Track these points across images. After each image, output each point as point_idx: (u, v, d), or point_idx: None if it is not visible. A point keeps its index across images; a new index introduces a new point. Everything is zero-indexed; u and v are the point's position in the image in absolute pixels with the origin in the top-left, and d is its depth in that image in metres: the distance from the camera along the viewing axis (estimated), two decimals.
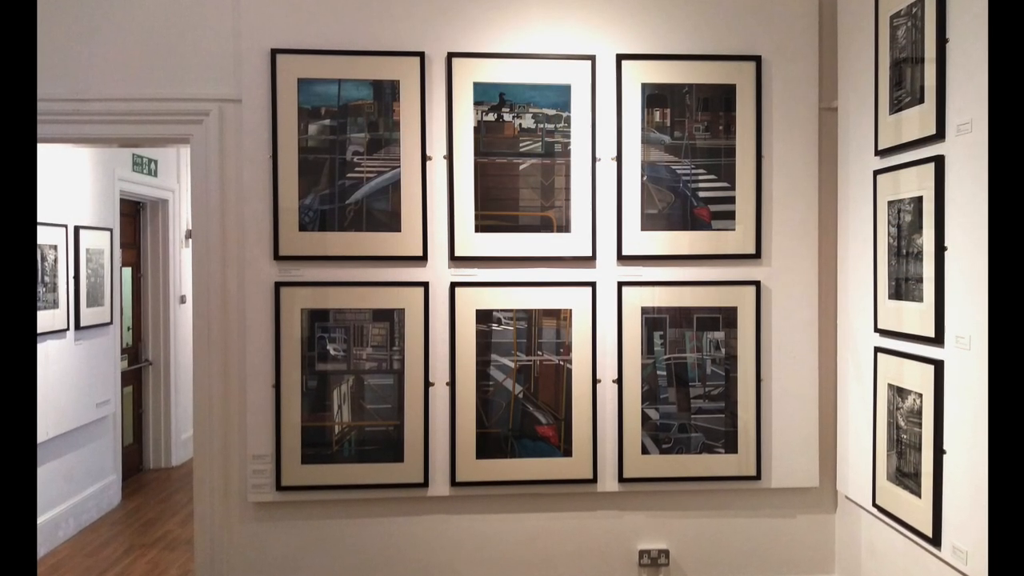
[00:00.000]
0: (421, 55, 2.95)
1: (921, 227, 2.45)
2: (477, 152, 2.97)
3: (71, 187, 4.92)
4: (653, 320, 3.04)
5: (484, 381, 3.00)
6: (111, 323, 5.40)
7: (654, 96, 3.02)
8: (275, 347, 2.93)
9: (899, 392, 2.60)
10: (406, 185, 2.95)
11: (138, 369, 6.33)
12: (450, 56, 2.96)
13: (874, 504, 2.78)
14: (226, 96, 2.98)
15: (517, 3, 3.01)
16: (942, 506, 2.37)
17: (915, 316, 2.49)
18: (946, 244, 2.33)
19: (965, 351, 2.25)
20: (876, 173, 2.74)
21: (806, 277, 3.08)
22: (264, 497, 2.97)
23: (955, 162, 2.30)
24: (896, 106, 2.60)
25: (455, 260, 2.98)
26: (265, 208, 2.93)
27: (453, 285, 2.98)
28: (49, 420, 4.59)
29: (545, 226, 3.00)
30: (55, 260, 4.69)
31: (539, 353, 3.02)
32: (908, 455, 2.55)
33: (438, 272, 2.99)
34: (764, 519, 3.16)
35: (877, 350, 2.75)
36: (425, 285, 2.97)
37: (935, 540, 2.40)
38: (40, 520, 4.61)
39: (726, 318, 3.05)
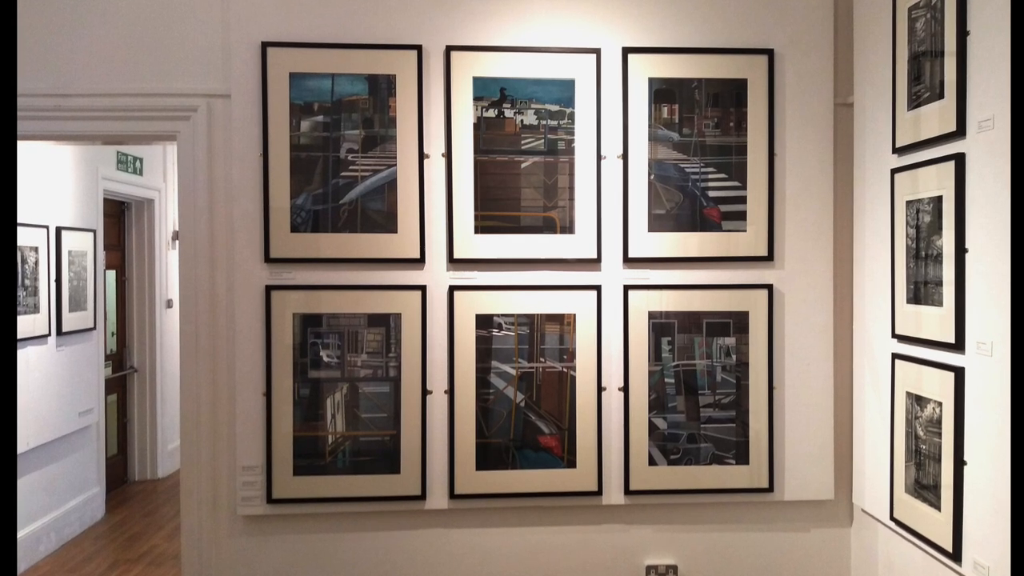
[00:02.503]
0: (418, 48, 2.96)
1: (941, 228, 2.45)
2: (477, 150, 2.98)
3: (53, 186, 4.94)
4: (661, 325, 3.04)
5: (484, 389, 3.00)
6: (94, 328, 5.41)
7: (662, 91, 3.02)
8: (266, 353, 2.93)
9: (918, 400, 2.60)
10: (403, 184, 2.95)
11: (123, 376, 6.33)
12: (448, 49, 2.97)
13: (892, 518, 2.78)
14: (214, 91, 2.98)
15: None
16: (963, 520, 2.37)
17: (934, 321, 2.49)
18: (967, 246, 2.33)
19: (986, 357, 2.25)
20: (894, 172, 2.74)
21: (821, 280, 3.08)
22: (254, 510, 2.97)
23: (976, 160, 2.30)
24: (915, 102, 2.60)
25: (454, 263, 2.99)
26: (255, 208, 2.94)
27: (452, 289, 2.98)
28: (30, 430, 4.60)
29: (548, 227, 3.00)
30: (36, 263, 4.70)
31: (541, 360, 3.02)
32: (927, 466, 2.55)
33: (436, 275, 2.99)
34: (777, 533, 3.16)
35: (895, 356, 2.75)
36: (422, 289, 2.97)
37: (955, 555, 2.40)
38: (20, 534, 4.61)
39: (737, 323, 3.05)
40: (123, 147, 5.87)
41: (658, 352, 3.04)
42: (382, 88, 2.95)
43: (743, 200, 3.04)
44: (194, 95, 2.98)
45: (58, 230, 4.94)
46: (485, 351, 3.00)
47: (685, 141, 3.03)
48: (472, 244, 2.98)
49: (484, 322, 3.00)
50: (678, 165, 3.03)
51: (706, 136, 3.03)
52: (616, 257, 3.03)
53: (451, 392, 2.99)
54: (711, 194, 3.03)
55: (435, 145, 2.98)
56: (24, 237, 4.58)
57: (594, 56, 3.00)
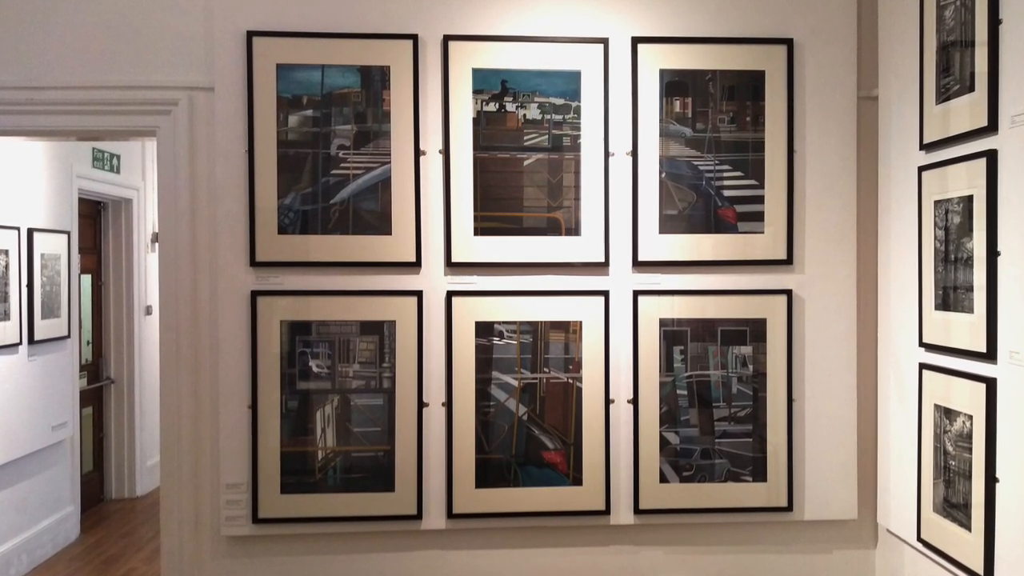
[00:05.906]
0: (414, 38, 2.96)
1: (971, 229, 2.45)
2: (476, 146, 2.98)
3: (24, 185, 4.94)
4: (672, 333, 3.04)
5: (484, 401, 3.00)
6: (69, 337, 5.41)
7: (674, 84, 3.03)
8: (251, 363, 2.93)
9: (947, 413, 2.60)
10: (397, 183, 2.95)
11: (99, 388, 6.33)
12: (446, 39, 2.97)
13: (919, 538, 2.77)
14: (197, 84, 2.99)
15: None
16: (995, 540, 2.37)
17: (964, 329, 2.49)
18: (999, 248, 2.33)
19: (1020, 367, 2.25)
20: (921, 169, 2.74)
21: (843, 285, 3.08)
22: (239, 530, 2.96)
23: (1009, 157, 2.30)
24: (943, 95, 2.61)
25: (452, 267, 2.99)
26: (240, 208, 2.94)
27: (450, 294, 2.98)
28: None
29: (552, 229, 3.00)
30: (6, 266, 4.71)
31: (545, 370, 3.02)
32: (957, 484, 2.54)
33: (433, 280, 2.99)
34: (797, 555, 3.15)
35: (922, 367, 2.75)
36: (419, 294, 2.97)
37: None
38: None
39: (754, 331, 3.05)
40: (99, 143, 5.88)
41: (670, 362, 3.04)
42: (375, 80, 2.96)
43: (760, 200, 3.04)
44: (175, 88, 2.98)
45: (30, 232, 4.94)
46: (485, 361, 3.00)
47: (698, 137, 3.03)
48: (471, 247, 2.98)
49: (484, 330, 3.00)
50: (691, 162, 3.03)
51: (721, 132, 3.03)
52: (625, 261, 3.03)
53: (449, 405, 2.99)
54: (726, 193, 3.03)
55: (432, 141, 2.98)
56: None
57: (601, 46, 3.00)
